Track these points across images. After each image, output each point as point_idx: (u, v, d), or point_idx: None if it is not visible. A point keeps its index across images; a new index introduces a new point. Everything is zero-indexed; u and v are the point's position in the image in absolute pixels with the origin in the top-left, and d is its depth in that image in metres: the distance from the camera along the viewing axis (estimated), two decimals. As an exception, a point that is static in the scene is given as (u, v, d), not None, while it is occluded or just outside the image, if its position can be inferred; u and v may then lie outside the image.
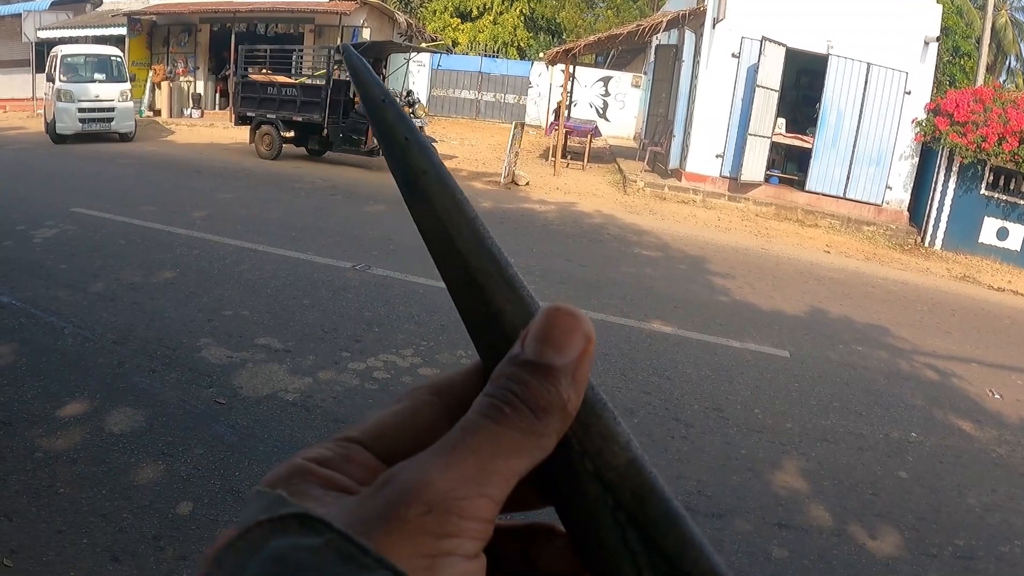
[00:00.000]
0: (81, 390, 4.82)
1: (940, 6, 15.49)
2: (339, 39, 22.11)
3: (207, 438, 4.38)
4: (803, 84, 17.48)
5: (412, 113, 15.02)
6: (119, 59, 18.36)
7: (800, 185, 16.00)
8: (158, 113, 23.83)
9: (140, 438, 4.31)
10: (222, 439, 4.38)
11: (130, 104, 18.00)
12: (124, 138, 17.78)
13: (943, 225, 14.90)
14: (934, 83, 16.18)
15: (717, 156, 15.89)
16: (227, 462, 4.15)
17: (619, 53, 28.71)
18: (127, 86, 18.04)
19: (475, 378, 0.43)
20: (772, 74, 15.03)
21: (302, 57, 17.95)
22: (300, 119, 15.61)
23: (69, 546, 3.37)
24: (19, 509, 3.61)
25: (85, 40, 24.58)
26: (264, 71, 16.47)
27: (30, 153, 15.11)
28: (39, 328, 5.81)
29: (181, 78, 24.68)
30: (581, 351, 0.39)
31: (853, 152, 15.43)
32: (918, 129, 15.06)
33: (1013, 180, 14.32)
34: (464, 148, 20.83)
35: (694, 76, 16.14)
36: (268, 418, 4.68)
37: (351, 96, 15.90)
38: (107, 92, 17.49)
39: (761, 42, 14.68)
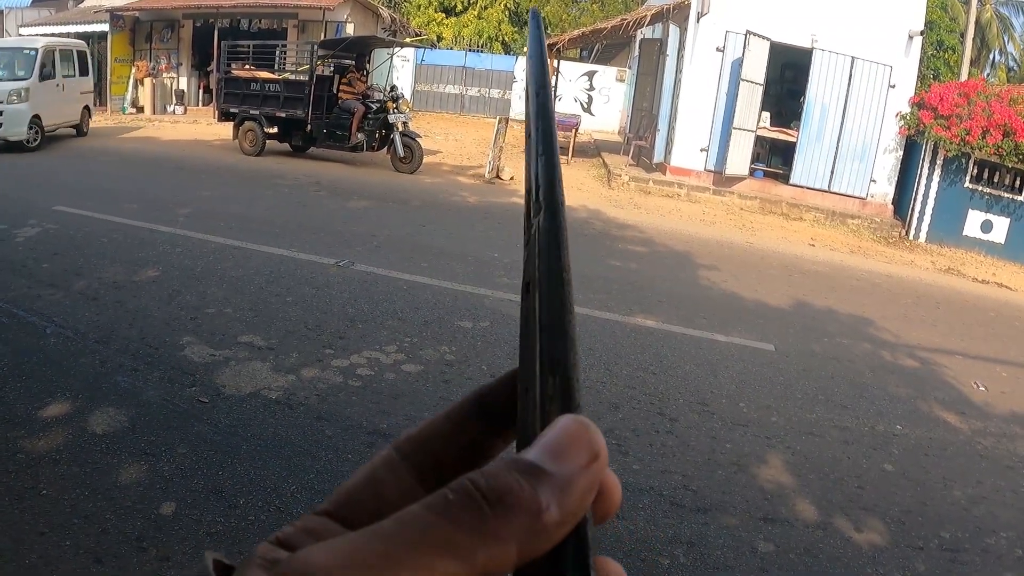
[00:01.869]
0: (63, 390, 4.77)
1: (924, 0, 15.52)
2: (323, 34, 22.03)
3: (190, 437, 4.35)
4: (787, 78, 17.51)
5: (396, 108, 14.97)
6: (33, 52, 15.48)
7: (785, 179, 16.04)
8: (141, 110, 23.70)
9: (123, 438, 4.28)
10: (205, 438, 4.36)
11: (22, 107, 14.74)
12: (20, 146, 14.60)
13: (927, 218, 14.97)
14: (918, 77, 16.23)
15: (702, 150, 15.91)
16: (210, 461, 4.12)
17: (603, 47, 28.71)
18: (24, 85, 14.91)
19: (447, 428, 0.40)
20: (756, 68, 15.05)
21: (285, 53, 17.87)
22: (283, 115, 15.52)
23: (52, 548, 3.34)
24: (2, 511, 3.58)
25: (67, 36, 24.50)
26: (247, 67, 16.37)
27: (12, 151, 14.97)
28: (21, 328, 5.76)
29: (164, 74, 24.53)
30: (582, 464, 0.34)
31: (838, 146, 15.47)
32: (902, 122, 15.11)
33: (997, 173, 14.39)
34: (449, 143, 20.79)
35: (678, 70, 16.15)
36: (251, 416, 4.65)
37: (334, 92, 15.84)
38: None
39: (745, 36, 14.70)
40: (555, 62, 17.71)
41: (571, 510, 0.33)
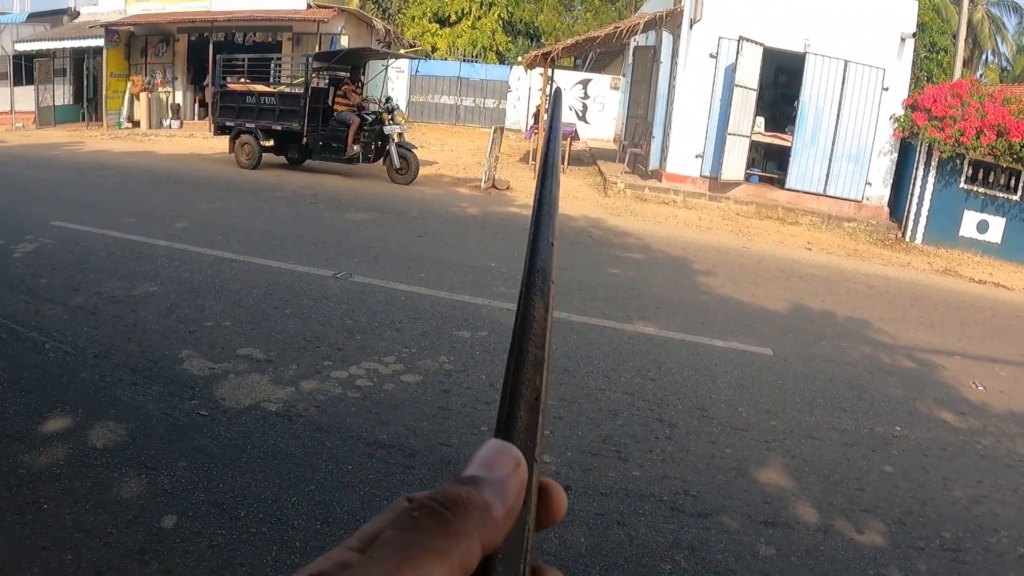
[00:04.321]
0: (63, 405, 4.77)
1: (916, 2, 15.59)
2: (317, 47, 22.09)
3: (190, 451, 4.35)
4: (781, 83, 17.58)
5: (391, 119, 15.00)
6: None
7: (780, 183, 16.09)
8: (137, 124, 23.74)
9: (123, 452, 4.28)
10: (205, 451, 4.36)
11: None
12: None
13: (923, 220, 15.01)
14: (911, 79, 16.29)
15: (697, 156, 15.94)
16: (211, 474, 4.12)
17: (597, 55, 28.80)
18: None
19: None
20: (750, 73, 15.10)
21: (280, 65, 17.91)
22: (279, 128, 15.53)
23: (54, 562, 3.34)
24: (3, 526, 3.57)
25: (62, 52, 24.56)
26: (243, 80, 16.41)
27: (9, 166, 15.00)
28: (20, 343, 5.76)
29: (160, 89, 24.59)
30: (510, 470, 0.42)
31: (832, 149, 15.52)
32: (896, 125, 15.16)
33: (992, 173, 14.44)
34: (444, 153, 20.82)
35: (672, 77, 16.19)
36: (251, 429, 4.65)
37: (330, 104, 15.87)
38: None
39: (738, 42, 14.75)
40: (549, 71, 17.73)
41: (510, 505, 0.41)
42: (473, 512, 0.38)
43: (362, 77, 17.00)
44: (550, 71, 17.78)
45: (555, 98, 0.55)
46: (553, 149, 0.51)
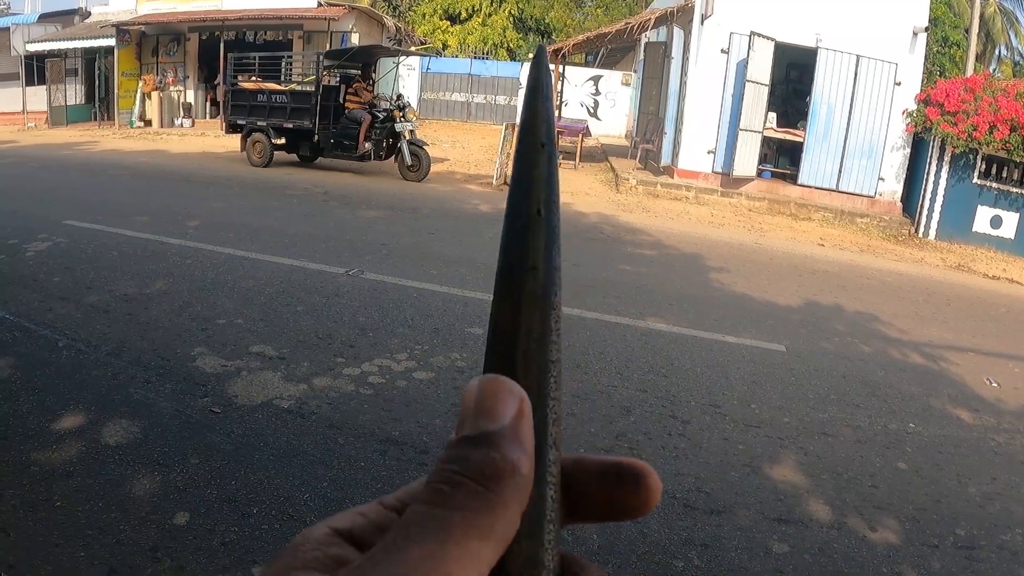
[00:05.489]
0: (76, 403, 4.79)
1: (928, -4, 15.52)
2: (328, 44, 22.12)
3: (202, 448, 4.36)
4: (793, 78, 17.52)
5: (403, 117, 15.01)
6: None
7: (792, 179, 16.02)
8: (149, 123, 23.81)
9: (136, 449, 4.29)
10: (217, 448, 4.37)
11: None
12: None
13: (936, 215, 14.93)
14: (924, 73, 16.21)
15: (709, 152, 15.90)
16: (223, 471, 4.13)
17: (608, 52, 28.72)
18: None
19: None
20: (762, 69, 15.05)
21: (291, 63, 17.94)
22: (291, 126, 15.56)
23: (66, 559, 3.35)
24: (16, 523, 3.59)
25: (74, 52, 24.65)
26: (254, 78, 16.44)
27: (22, 167, 15.06)
28: (33, 342, 5.78)
29: (171, 88, 24.66)
30: (516, 411, 0.37)
31: (845, 144, 15.45)
32: (909, 120, 15.08)
33: (1005, 168, 14.36)
34: (456, 150, 20.82)
35: (684, 73, 16.14)
36: (263, 426, 4.66)
37: (341, 102, 15.88)
38: None
39: (750, 37, 14.70)
40: (560, 67, 17.72)
41: (529, 452, 0.37)
42: (508, 479, 0.35)
43: (373, 75, 17.00)
44: (561, 67, 17.75)
45: (538, 55, 0.44)
46: (538, 114, 0.42)
